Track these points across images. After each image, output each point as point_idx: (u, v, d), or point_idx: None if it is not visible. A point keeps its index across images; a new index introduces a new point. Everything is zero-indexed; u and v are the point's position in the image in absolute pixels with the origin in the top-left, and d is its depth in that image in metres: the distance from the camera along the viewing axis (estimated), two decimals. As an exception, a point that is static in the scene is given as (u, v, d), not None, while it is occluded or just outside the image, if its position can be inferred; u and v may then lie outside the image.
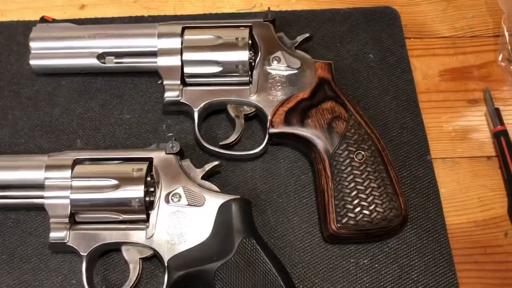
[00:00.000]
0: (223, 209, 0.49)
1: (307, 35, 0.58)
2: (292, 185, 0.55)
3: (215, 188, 0.51)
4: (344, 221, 0.50)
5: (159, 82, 0.59)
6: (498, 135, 0.58)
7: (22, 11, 0.66)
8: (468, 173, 0.57)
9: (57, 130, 0.58)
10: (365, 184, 0.50)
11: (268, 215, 0.54)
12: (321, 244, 0.53)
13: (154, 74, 0.58)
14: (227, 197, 0.49)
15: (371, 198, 0.50)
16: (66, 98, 0.60)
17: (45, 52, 0.58)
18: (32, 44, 0.58)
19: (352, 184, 0.51)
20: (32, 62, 0.59)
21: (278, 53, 0.56)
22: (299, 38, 0.58)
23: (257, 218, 0.52)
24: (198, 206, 0.49)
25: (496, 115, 0.59)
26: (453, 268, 0.52)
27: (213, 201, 0.49)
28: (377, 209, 0.50)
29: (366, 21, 0.64)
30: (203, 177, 0.52)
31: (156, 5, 0.66)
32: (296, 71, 0.56)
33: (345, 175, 0.51)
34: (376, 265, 0.52)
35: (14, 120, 0.59)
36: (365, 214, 0.50)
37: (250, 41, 0.56)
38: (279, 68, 0.56)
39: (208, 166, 0.52)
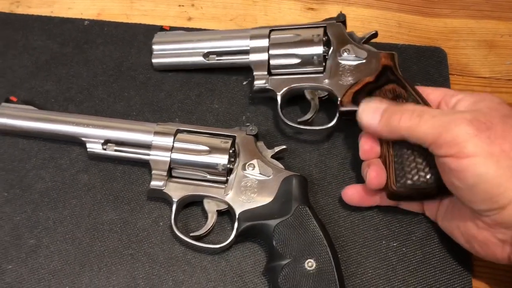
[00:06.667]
0: (286, 181, 0.61)
1: (374, 32, 0.69)
2: (341, 176, 0.68)
3: (281, 165, 0.64)
4: (402, 181, 0.58)
5: (243, 83, 0.74)
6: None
7: (143, 17, 0.83)
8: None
9: (161, 109, 0.73)
10: (421, 151, 0.57)
11: (319, 197, 0.66)
12: (360, 225, 0.64)
13: (241, 74, 0.73)
14: (290, 173, 0.62)
15: (425, 162, 0.57)
16: (171, 86, 0.75)
17: (164, 53, 0.74)
18: (154, 47, 0.74)
19: (410, 151, 0.58)
20: (154, 60, 0.75)
21: (348, 46, 0.67)
22: (366, 35, 0.69)
23: (309, 198, 0.63)
24: (267, 176, 0.62)
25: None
26: (469, 261, 0.62)
27: (279, 174, 0.62)
28: (431, 170, 0.57)
29: (417, 56, 0.77)
30: (272, 157, 0.65)
31: (248, 25, 0.81)
32: (363, 61, 0.66)
33: (404, 143, 0.58)
34: (404, 249, 0.63)
35: (129, 97, 0.74)
36: (421, 175, 0.57)
37: (324, 38, 0.68)
38: (348, 58, 0.67)
39: (277, 148, 0.65)
